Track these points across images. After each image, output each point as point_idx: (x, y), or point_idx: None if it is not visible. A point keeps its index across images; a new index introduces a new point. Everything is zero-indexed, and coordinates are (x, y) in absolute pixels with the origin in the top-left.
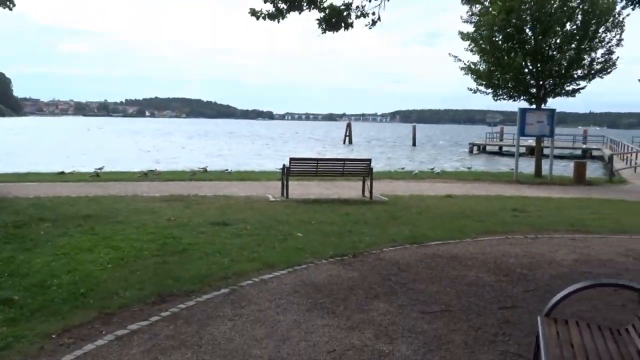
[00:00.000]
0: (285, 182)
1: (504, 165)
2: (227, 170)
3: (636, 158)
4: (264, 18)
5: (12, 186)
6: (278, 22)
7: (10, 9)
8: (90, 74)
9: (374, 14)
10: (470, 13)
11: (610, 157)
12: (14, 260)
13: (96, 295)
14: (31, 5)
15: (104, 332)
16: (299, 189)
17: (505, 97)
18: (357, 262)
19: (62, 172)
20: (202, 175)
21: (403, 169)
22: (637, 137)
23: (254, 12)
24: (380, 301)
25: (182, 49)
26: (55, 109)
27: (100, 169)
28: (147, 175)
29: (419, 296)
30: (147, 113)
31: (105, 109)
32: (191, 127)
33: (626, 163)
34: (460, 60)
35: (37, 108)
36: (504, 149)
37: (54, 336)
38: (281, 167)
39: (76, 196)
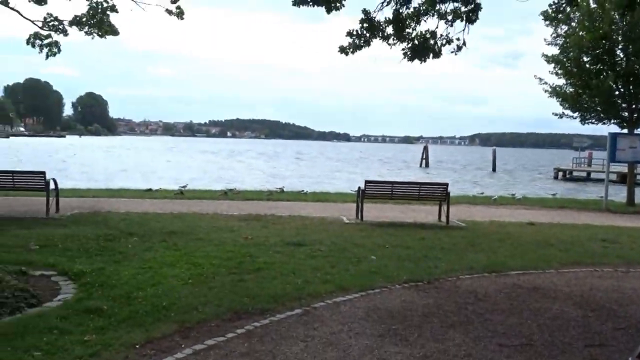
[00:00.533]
0: (360, 205)
1: (592, 192)
2: (303, 191)
3: None
4: (352, 52)
5: (105, 201)
6: (360, 49)
7: (115, 35)
8: (176, 96)
9: (458, 39)
10: (555, 35)
11: None
12: (104, 271)
13: (177, 309)
14: (125, 35)
15: (183, 346)
16: (374, 211)
17: (594, 121)
18: (432, 289)
19: (150, 189)
20: (279, 195)
21: (482, 194)
22: None
23: (342, 50)
24: (456, 331)
25: (260, 71)
26: (146, 129)
27: (184, 187)
28: (227, 194)
29: (497, 328)
30: (229, 134)
31: (190, 130)
32: (264, 147)
33: None
34: (545, 83)
35: (129, 128)
36: (593, 175)
37: (137, 346)
38: (356, 189)
39: (162, 212)
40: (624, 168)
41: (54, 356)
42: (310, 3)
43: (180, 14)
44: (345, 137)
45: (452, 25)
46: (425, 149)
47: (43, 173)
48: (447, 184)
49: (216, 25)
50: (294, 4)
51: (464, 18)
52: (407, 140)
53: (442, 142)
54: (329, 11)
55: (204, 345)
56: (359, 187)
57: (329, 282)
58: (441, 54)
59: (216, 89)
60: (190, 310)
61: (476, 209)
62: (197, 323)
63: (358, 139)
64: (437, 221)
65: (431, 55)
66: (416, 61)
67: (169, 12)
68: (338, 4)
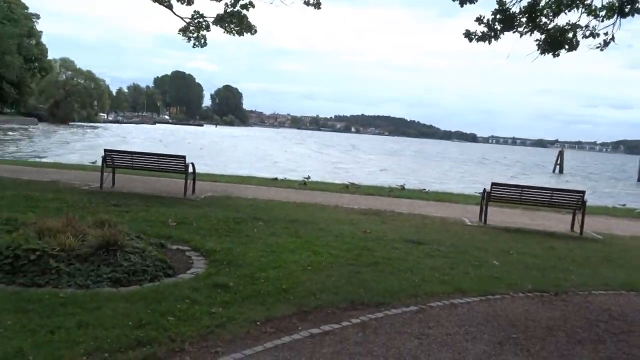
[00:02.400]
0: (484, 207)
1: None
2: (424, 189)
3: None
4: (477, 40)
5: (235, 187)
6: (489, 43)
7: (253, 34)
8: (305, 91)
9: (606, 34)
10: None
11: None
12: (232, 251)
13: (296, 292)
14: (260, 32)
15: (300, 328)
16: (499, 215)
17: None
18: (560, 301)
19: (276, 179)
20: (400, 192)
21: (624, 205)
22: None
23: (467, 34)
24: (585, 348)
25: (387, 69)
26: (275, 121)
27: (307, 178)
28: (348, 188)
29: (632, 350)
30: (353, 129)
31: (316, 123)
32: (386, 144)
33: None
34: None
35: (260, 120)
36: None
37: (258, 323)
38: (481, 191)
39: (286, 201)
40: None
41: (185, 322)
42: None
43: (317, 4)
44: (472, 138)
45: (599, 18)
46: (561, 153)
47: (183, 157)
48: (583, 192)
49: (345, 23)
50: None
51: (617, 9)
52: (541, 143)
53: (580, 147)
54: (462, 3)
55: (319, 329)
56: (484, 189)
57: (446, 282)
58: (577, 47)
59: (343, 86)
60: (308, 295)
61: (615, 221)
62: (314, 308)
63: (485, 140)
64: (569, 231)
65: (566, 47)
66: (553, 59)
67: (307, 2)
68: None
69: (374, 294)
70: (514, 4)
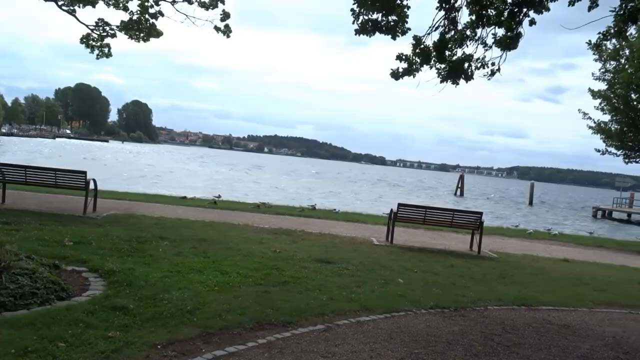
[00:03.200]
0: (391, 227)
1: (632, 234)
2: (334, 209)
3: None
4: (402, 76)
5: (141, 205)
6: (413, 76)
7: (158, 37)
8: (218, 110)
9: (493, 64)
10: (603, 70)
11: None
12: (134, 272)
13: (201, 314)
14: (172, 47)
15: (203, 350)
16: (405, 235)
17: (638, 160)
18: (459, 317)
19: (185, 197)
20: (311, 212)
21: (517, 226)
22: None
23: (394, 74)
24: None
25: (302, 92)
26: (186, 139)
27: (218, 197)
28: (260, 207)
29: None
30: (266, 149)
31: (228, 143)
32: (291, 165)
33: None
34: (590, 118)
35: (170, 137)
36: (634, 217)
37: (159, 347)
38: (388, 211)
39: (194, 220)
40: None
41: (77, 348)
42: (379, 30)
43: (227, 32)
44: (381, 161)
45: (490, 49)
46: (461, 177)
47: (84, 173)
48: (481, 213)
49: (262, 45)
50: (357, 33)
51: (502, 44)
52: (444, 168)
53: (478, 172)
54: (394, 37)
55: (224, 351)
56: (392, 210)
57: (353, 300)
58: (473, 78)
59: (257, 106)
60: (213, 316)
61: (509, 241)
62: (219, 329)
63: (394, 164)
64: (468, 250)
65: (463, 77)
66: (455, 88)
67: (217, 29)
68: (404, 29)
69: (282, 314)
70: (425, 37)
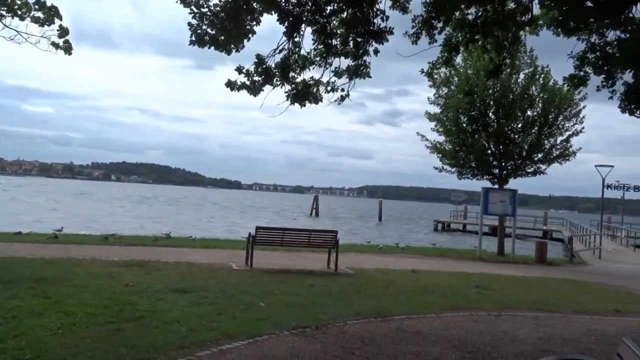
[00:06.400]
0: (250, 251)
1: (468, 243)
2: (190, 237)
3: (594, 241)
4: (238, 89)
5: None
6: (255, 95)
7: None
8: (56, 136)
9: (342, 90)
10: (437, 95)
11: (570, 239)
12: None
13: None
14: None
15: None
16: (264, 258)
17: (469, 176)
18: (320, 335)
19: (19, 232)
20: (165, 241)
21: (369, 242)
22: (594, 220)
23: (229, 84)
24: None
25: (149, 116)
26: (19, 168)
27: (59, 230)
28: (108, 239)
29: None
30: (113, 177)
31: (70, 171)
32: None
33: (585, 245)
34: (427, 140)
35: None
36: (468, 227)
37: None
38: (247, 235)
39: (32, 257)
40: (495, 221)
41: None
42: (216, 45)
43: (68, 49)
44: (237, 185)
45: (340, 76)
46: (316, 198)
47: None
48: (336, 232)
49: (101, 67)
50: (191, 44)
51: (351, 72)
52: (299, 190)
53: (332, 192)
54: (229, 53)
55: None
56: (250, 233)
57: (215, 329)
58: (321, 101)
59: (101, 132)
60: None
61: (363, 256)
62: None
63: (250, 187)
64: (326, 268)
65: (312, 100)
66: (303, 114)
67: (56, 45)
68: (238, 47)
69: (138, 351)
70: (269, 58)
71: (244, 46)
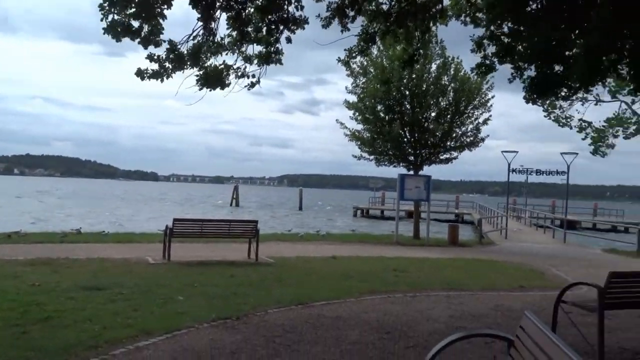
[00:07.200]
0: (167, 244)
1: (386, 228)
2: (103, 231)
3: (501, 222)
4: (149, 78)
5: None
6: (162, 81)
7: None
8: None
9: (253, 76)
10: (354, 85)
11: (480, 221)
12: None
13: None
14: None
15: None
16: (182, 250)
17: (386, 163)
18: (241, 325)
19: None
20: (75, 237)
21: (290, 231)
22: (501, 203)
23: (139, 73)
24: None
25: (51, 105)
26: None
27: None
28: (11, 237)
29: (303, 357)
30: (16, 171)
31: None
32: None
33: (493, 226)
34: (346, 128)
35: None
36: (386, 212)
37: None
38: (164, 228)
39: None
40: (411, 206)
41: None
42: (131, 34)
43: None
44: (153, 177)
45: (251, 62)
46: (236, 188)
47: None
48: (256, 222)
49: (8, 57)
50: (105, 33)
51: (262, 58)
52: (219, 180)
53: (252, 182)
54: (145, 46)
55: None
56: (167, 226)
57: (130, 326)
58: (229, 86)
59: (6, 124)
60: None
61: (284, 245)
62: None
63: (167, 179)
64: (246, 258)
65: (220, 85)
66: (221, 102)
67: None
68: (157, 39)
69: (46, 353)
70: (183, 44)
71: (164, 40)
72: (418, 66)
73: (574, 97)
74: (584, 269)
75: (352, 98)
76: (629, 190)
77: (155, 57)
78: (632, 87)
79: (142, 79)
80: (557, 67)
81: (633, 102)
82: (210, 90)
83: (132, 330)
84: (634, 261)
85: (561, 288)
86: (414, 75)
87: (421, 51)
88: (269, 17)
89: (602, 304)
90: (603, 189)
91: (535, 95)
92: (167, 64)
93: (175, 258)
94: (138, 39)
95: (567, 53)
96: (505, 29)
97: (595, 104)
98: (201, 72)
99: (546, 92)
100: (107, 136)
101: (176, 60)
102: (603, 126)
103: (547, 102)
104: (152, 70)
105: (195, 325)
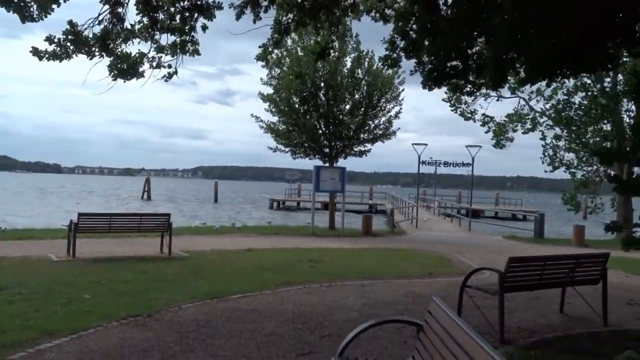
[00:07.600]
0: (72, 240)
1: (302, 219)
2: (0, 228)
3: (412, 212)
4: (47, 59)
5: None
6: (60, 61)
7: None
8: None
9: (170, 66)
10: (270, 76)
11: (392, 211)
12: None
13: None
14: None
15: None
16: (89, 246)
17: (302, 155)
18: (153, 322)
19: None
20: None
21: (204, 224)
22: (412, 193)
23: (36, 52)
24: None
25: None
26: None
27: None
28: None
29: (218, 351)
30: None
31: None
32: None
33: (404, 216)
34: (261, 121)
35: None
36: (302, 204)
37: None
38: (68, 223)
39: None
40: (326, 197)
41: None
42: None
43: None
44: (56, 169)
45: (164, 53)
46: (147, 181)
47: None
48: (169, 215)
49: None
50: None
51: (177, 47)
52: (129, 172)
53: (165, 174)
54: (23, 20)
55: None
56: (71, 221)
57: (31, 328)
58: (143, 76)
59: None
60: None
61: (199, 238)
62: None
63: (71, 171)
64: (159, 253)
65: (134, 75)
66: (130, 91)
67: None
68: (33, 15)
69: None
70: (88, 29)
71: (52, 11)
72: (333, 58)
73: (477, 93)
74: (487, 255)
75: (268, 90)
76: (527, 180)
77: (55, 40)
78: (528, 82)
79: (40, 59)
80: (454, 63)
81: (530, 99)
82: (125, 81)
83: (32, 332)
84: (531, 247)
85: (466, 274)
86: (328, 68)
87: (335, 44)
88: (182, 3)
89: (503, 287)
90: (504, 179)
91: (430, 83)
92: (67, 44)
93: (80, 255)
94: (11, 10)
95: (468, 51)
96: (414, 27)
97: (497, 100)
98: (112, 60)
99: (440, 81)
100: (3, 126)
101: (76, 42)
102: (504, 121)
103: (454, 97)
104: (51, 50)
105: (104, 324)
